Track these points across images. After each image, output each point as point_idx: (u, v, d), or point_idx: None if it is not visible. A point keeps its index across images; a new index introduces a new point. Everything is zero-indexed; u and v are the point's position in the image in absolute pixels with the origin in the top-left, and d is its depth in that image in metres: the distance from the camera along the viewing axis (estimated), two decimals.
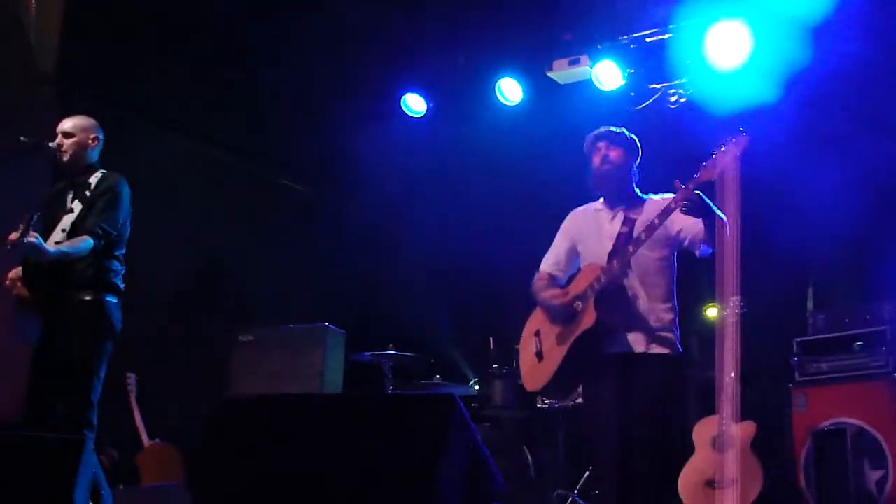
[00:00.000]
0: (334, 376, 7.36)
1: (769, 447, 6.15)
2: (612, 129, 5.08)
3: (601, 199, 5.13)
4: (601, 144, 5.03)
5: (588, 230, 5.09)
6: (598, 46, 7.49)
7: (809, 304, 6.93)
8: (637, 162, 5.07)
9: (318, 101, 8.57)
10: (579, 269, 5.08)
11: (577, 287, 4.91)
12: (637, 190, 5.07)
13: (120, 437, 7.45)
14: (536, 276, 5.20)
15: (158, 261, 7.59)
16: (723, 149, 4.54)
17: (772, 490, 5.89)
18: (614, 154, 5.00)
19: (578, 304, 4.82)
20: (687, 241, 4.84)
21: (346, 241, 9.28)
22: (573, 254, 5.16)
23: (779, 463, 6.32)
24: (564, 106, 7.79)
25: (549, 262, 5.22)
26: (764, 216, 5.98)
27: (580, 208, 5.21)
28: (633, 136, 5.09)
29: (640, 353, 4.78)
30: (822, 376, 6.49)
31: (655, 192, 5.04)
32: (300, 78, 8.34)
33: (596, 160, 5.04)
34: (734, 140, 4.53)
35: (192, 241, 8.38)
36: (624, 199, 5.01)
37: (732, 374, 5.62)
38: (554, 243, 5.25)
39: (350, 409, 3.81)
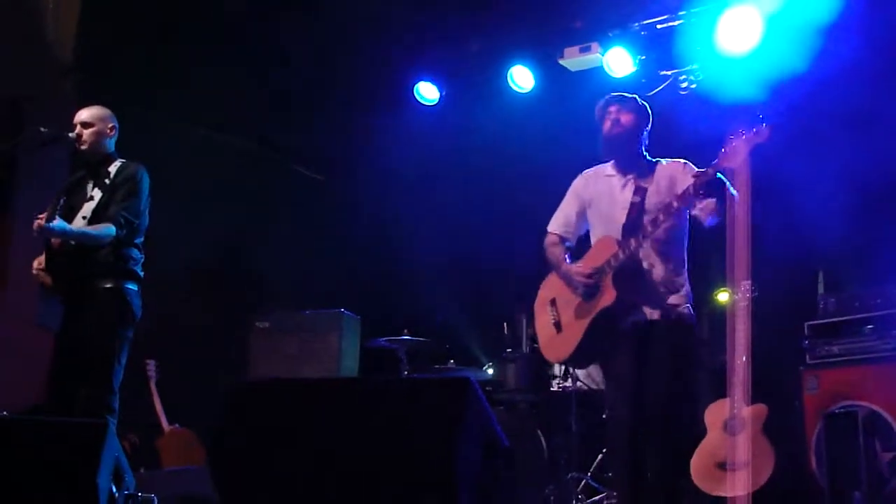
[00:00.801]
0: (350, 361, 7.43)
1: (780, 430, 6.18)
2: (623, 94, 5.11)
3: (611, 163, 5.15)
4: (612, 109, 5.06)
5: (599, 195, 5.11)
6: (609, 34, 7.49)
7: (820, 288, 6.95)
8: (648, 127, 5.09)
9: (333, 89, 8.61)
10: (591, 241, 5.13)
11: (594, 260, 4.95)
12: (647, 154, 5.10)
13: (140, 422, 7.55)
14: (547, 240, 5.25)
15: (176, 249, 7.66)
16: (743, 136, 4.56)
17: (783, 472, 5.92)
18: (625, 118, 5.03)
19: (594, 281, 4.88)
20: (695, 211, 4.88)
21: (361, 227, 9.33)
22: (583, 216, 5.20)
23: (790, 445, 6.35)
24: (576, 93, 7.79)
25: (559, 224, 5.26)
26: (775, 200, 6.00)
27: (590, 170, 5.23)
28: (644, 101, 5.12)
29: (654, 321, 4.85)
30: (833, 359, 6.50)
31: (664, 158, 5.09)
32: (314, 67, 8.38)
33: (607, 124, 5.06)
34: (755, 130, 4.55)
35: (209, 228, 8.44)
36: (634, 165, 5.04)
37: (744, 358, 5.67)
38: (563, 204, 5.28)
39: (367, 391, 3.85)
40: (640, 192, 4.94)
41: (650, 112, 5.12)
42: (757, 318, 5.76)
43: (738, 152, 4.55)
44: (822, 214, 6.53)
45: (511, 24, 7.92)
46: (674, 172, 4.95)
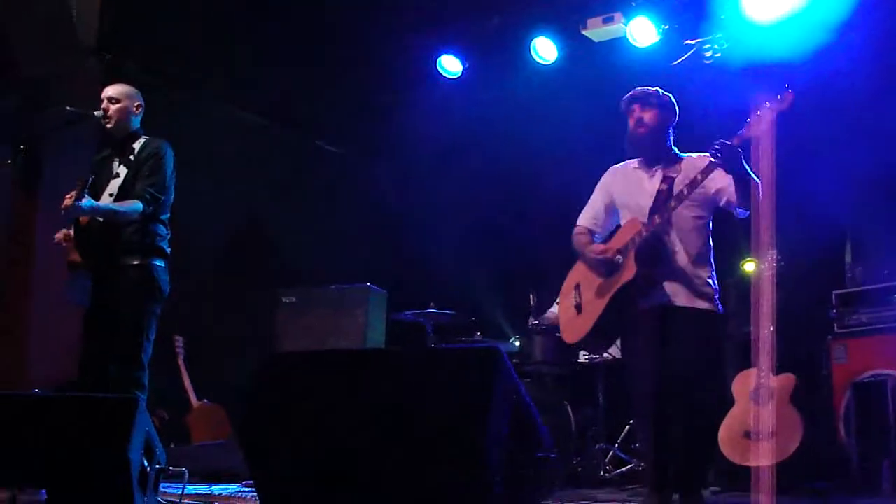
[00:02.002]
0: (376, 335, 7.46)
1: (809, 399, 6.17)
2: (647, 89, 5.04)
3: (638, 159, 5.13)
4: (635, 107, 5.00)
5: (627, 187, 5.08)
6: (633, 3, 7.46)
7: (847, 257, 6.91)
8: (674, 121, 5.04)
9: (355, 63, 8.61)
10: (619, 225, 5.12)
11: (618, 241, 4.94)
12: (675, 149, 5.05)
13: (169, 398, 7.63)
14: (575, 231, 5.24)
15: (203, 225, 7.71)
16: (767, 105, 4.52)
17: (811, 441, 5.91)
18: (648, 116, 4.97)
19: (619, 258, 4.87)
20: (724, 202, 4.84)
21: (386, 201, 9.35)
22: (611, 210, 5.17)
23: (818, 415, 6.33)
24: (599, 64, 7.77)
25: (588, 217, 5.24)
26: (801, 168, 5.97)
27: (619, 165, 5.20)
28: (668, 94, 5.05)
29: (679, 307, 4.81)
30: (862, 328, 6.48)
31: (693, 152, 5.05)
32: (337, 41, 8.38)
33: (631, 123, 5.01)
34: (779, 96, 4.51)
35: (235, 205, 8.50)
36: (661, 159, 5.00)
37: (771, 328, 5.65)
38: (592, 198, 5.26)
39: (396, 362, 3.86)
40: (667, 180, 4.90)
41: (675, 105, 5.06)
42: (784, 287, 5.74)
43: (763, 121, 4.51)
44: (849, 182, 6.49)
45: None
46: (701, 164, 4.88)
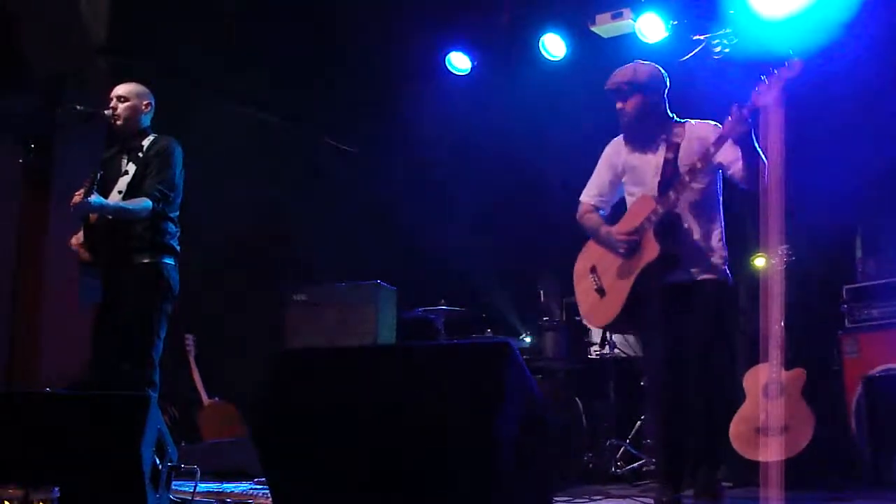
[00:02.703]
0: (387, 332, 7.47)
1: (820, 394, 6.16)
2: (617, 80, 5.02)
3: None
4: (617, 103, 5.04)
5: (632, 159, 5.08)
6: None
7: (858, 252, 6.90)
8: (664, 89, 5.03)
9: (365, 62, 8.61)
10: (627, 203, 5.10)
11: (632, 221, 4.93)
12: (673, 116, 5.04)
13: (180, 396, 7.65)
14: (582, 210, 5.23)
15: (213, 223, 7.72)
16: (775, 73, 4.51)
17: (823, 436, 5.90)
18: (629, 105, 4.98)
19: (636, 238, 4.86)
20: (729, 172, 4.84)
21: (395, 199, 9.34)
22: (616, 183, 5.17)
23: (829, 409, 6.32)
24: (608, 60, 7.72)
25: (592, 193, 5.23)
26: (811, 162, 5.96)
27: (621, 137, 5.18)
28: (643, 69, 5.03)
29: (696, 281, 4.84)
30: (873, 322, 6.47)
31: (693, 118, 5.03)
32: (346, 38, 8.38)
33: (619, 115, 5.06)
34: (787, 64, 4.49)
35: (245, 203, 8.50)
36: (661, 131, 5.00)
37: (781, 323, 5.65)
38: (596, 172, 5.25)
39: (406, 358, 3.86)
40: (672, 148, 4.90)
41: (661, 73, 5.05)
42: (795, 282, 5.73)
43: (771, 88, 4.49)
44: (859, 177, 6.47)
45: None
46: (705, 132, 4.89)
